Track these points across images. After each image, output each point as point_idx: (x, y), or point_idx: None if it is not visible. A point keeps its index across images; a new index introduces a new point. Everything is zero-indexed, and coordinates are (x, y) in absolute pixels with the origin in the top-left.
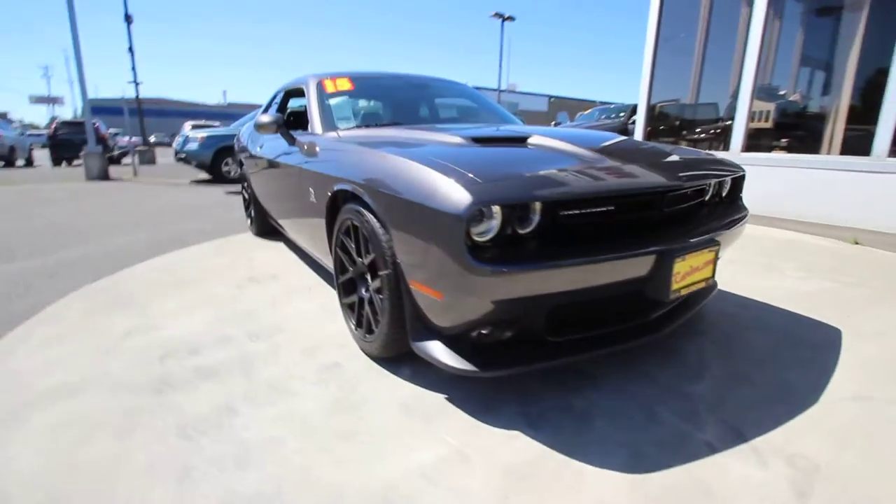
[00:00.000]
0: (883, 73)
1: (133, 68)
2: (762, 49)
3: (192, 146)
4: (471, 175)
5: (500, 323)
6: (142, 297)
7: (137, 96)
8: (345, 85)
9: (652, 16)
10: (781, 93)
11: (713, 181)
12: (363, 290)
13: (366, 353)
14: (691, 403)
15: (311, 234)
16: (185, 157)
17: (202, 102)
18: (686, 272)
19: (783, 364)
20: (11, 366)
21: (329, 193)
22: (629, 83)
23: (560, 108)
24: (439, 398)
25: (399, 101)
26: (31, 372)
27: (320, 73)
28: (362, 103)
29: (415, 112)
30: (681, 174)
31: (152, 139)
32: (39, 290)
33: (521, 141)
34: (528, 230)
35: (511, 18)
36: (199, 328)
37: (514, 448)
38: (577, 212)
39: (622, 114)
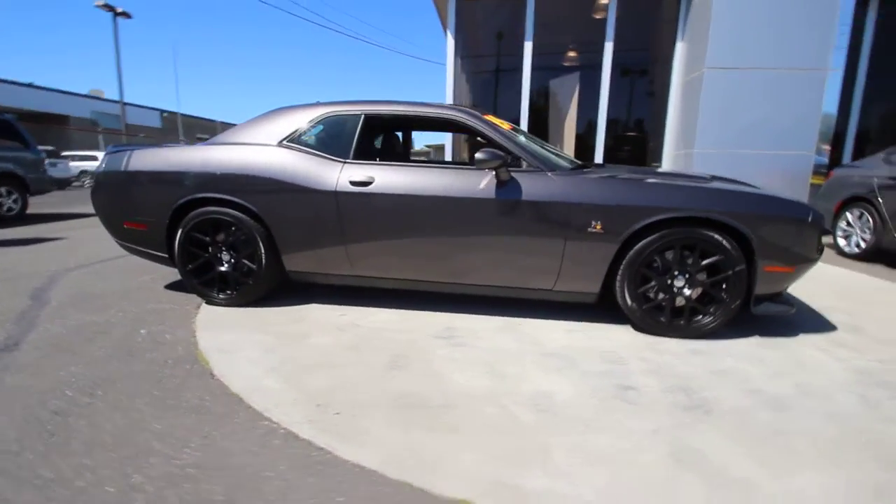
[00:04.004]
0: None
1: None
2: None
3: None
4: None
5: None
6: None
7: None
8: (505, 124)
9: (448, 84)
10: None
11: None
12: (687, 291)
13: (685, 338)
14: None
15: (553, 264)
16: None
17: None
18: None
19: None
20: None
21: (644, 222)
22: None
23: (176, 125)
24: (779, 339)
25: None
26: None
27: (462, 106)
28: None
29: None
30: None
31: None
32: None
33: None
34: None
35: (127, 15)
36: (570, 386)
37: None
38: None
39: None
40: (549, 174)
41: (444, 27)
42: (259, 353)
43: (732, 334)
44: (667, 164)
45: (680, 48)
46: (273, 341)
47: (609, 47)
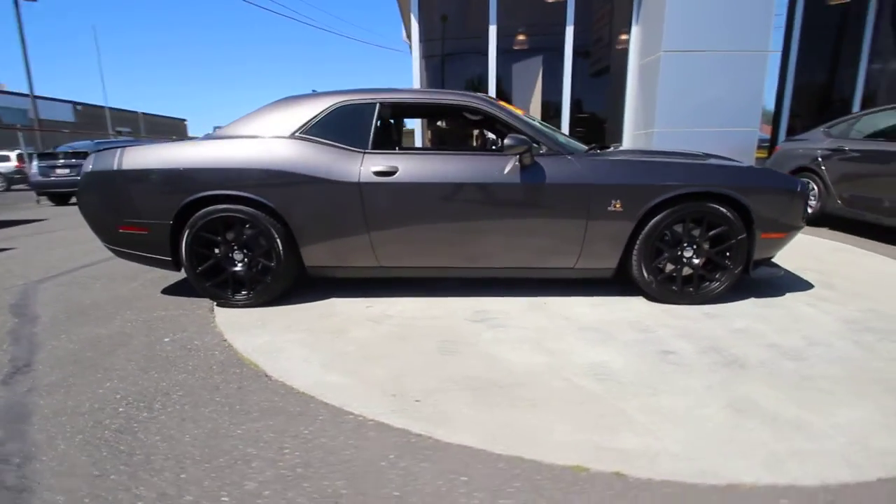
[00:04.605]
0: None
1: None
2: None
3: None
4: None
5: None
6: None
7: None
8: (518, 109)
9: (415, 69)
10: None
11: None
12: (695, 260)
13: (695, 303)
14: None
15: (575, 244)
16: None
17: None
18: None
19: None
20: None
21: (659, 198)
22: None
23: (93, 118)
24: (771, 299)
25: None
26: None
27: (479, 94)
28: None
29: None
30: None
31: None
32: None
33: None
34: None
35: None
36: (617, 355)
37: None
38: None
39: None
40: (570, 157)
41: (404, 15)
42: (305, 350)
43: (733, 298)
44: (627, 143)
45: (636, 32)
46: (311, 338)
47: (570, 31)
